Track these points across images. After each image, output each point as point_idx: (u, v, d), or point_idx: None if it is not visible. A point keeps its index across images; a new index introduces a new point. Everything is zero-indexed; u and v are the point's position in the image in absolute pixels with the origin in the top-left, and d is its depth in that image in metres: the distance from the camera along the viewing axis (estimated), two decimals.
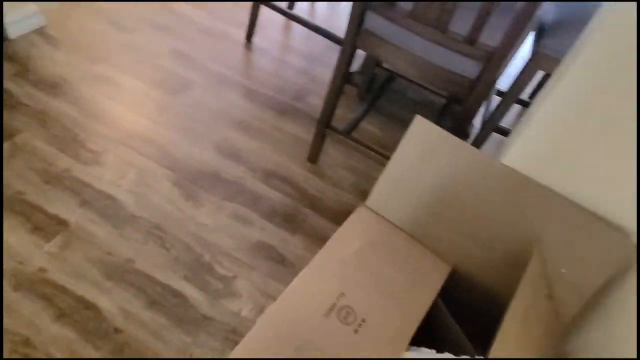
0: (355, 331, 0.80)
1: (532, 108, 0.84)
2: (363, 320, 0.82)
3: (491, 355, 0.62)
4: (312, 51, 1.97)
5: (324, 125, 1.35)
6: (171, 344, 1.02)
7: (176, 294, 1.11)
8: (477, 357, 0.79)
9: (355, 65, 1.78)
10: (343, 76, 1.20)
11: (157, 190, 1.31)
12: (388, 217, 0.99)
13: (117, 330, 1.02)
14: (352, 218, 0.98)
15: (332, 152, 1.56)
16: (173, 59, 1.75)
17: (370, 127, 1.68)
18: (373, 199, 1.00)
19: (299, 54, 1.94)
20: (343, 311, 0.83)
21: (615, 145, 0.73)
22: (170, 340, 1.03)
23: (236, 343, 1.05)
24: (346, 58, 1.16)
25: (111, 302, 1.07)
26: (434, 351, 0.82)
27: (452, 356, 0.80)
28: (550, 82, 0.80)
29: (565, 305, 0.85)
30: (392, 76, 1.74)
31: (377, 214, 1.00)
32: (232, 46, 1.89)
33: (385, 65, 1.72)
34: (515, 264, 0.87)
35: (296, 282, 0.85)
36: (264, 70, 1.82)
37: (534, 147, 0.81)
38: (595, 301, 0.84)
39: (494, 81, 1.06)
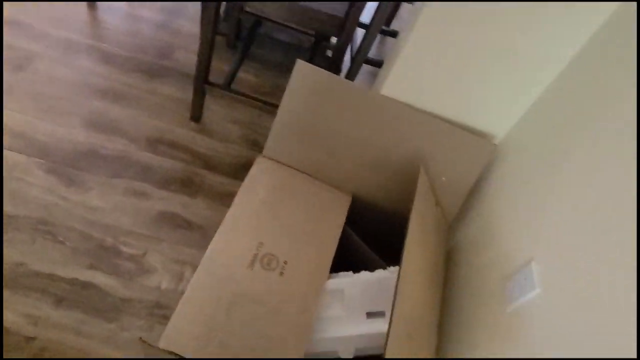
0: (281, 274, 0.86)
1: (400, 40, 0.92)
2: (285, 263, 0.88)
3: (404, 260, 0.73)
4: (165, 2, 1.83)
5: (202, 81, 1.30)
6: (94, 335, 0.99)
7: (85, 285, 1.05)
8: (389, 267, 0.91)
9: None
10: (213, 29, 1.16)
11: (30, 183, 1.18)
12: (286, 162, 1.04)
13: (29, 339, 0.95)
14: (253, 170, 1.01)
15: (214, 107, 1.52)
16: (5, 30, 1.50)
17: (245, 75, 1.66)
18: (269, 148, 1.03)
19: (152, 6, 1.79)
20: (265, 259, 0.88)
21: (473, 67, 0.85)
22: (92, 332, 0.99)
23: (163, 316, 1.05)
24: (213, 9, 1.12)
25: (12, 312, 0.98)
26: (351, 272, 0.91)
27: (368, 273, 0.90)
28: (412, 16, 0.88)
29: (448, 207, 1.00)
30: (258, 20, 1.71)
31: (276, 161, 1.03)
32: (73, 6, 1.67)
33: (249, 9, 1.67)
34: (405, 182, 0.98)
35: (215, 242, 0.87)
36: (117, 30, 1.66)
37: (405, 76, 0.90)
38: (468, 200, 1.00)
39: (359, 17, 1.12)
